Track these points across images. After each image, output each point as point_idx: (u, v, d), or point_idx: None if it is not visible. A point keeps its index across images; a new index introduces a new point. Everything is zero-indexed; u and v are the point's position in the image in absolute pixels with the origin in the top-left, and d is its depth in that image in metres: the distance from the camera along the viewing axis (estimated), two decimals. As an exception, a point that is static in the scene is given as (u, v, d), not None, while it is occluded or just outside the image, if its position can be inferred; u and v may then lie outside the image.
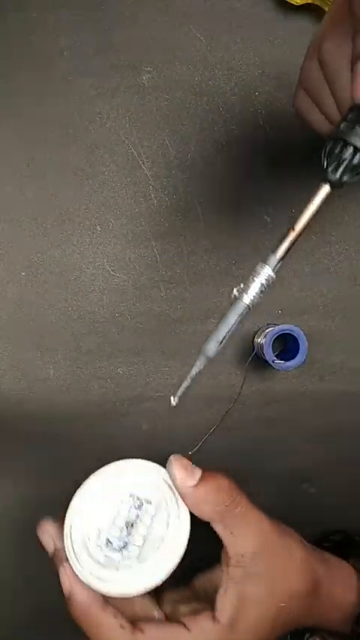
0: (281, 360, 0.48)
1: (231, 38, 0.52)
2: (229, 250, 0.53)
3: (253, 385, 0.54)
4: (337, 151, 0.32)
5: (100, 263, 0.53)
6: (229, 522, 0.37)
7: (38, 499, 0.54)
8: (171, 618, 0.38)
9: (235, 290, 0.34)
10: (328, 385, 0.55)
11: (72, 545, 0.37)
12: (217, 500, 0.36)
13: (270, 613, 0.37)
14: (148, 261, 0.53)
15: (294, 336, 0.49)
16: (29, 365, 0.53)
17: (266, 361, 0.49)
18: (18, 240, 0.52)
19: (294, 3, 0.50)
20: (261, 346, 0.49)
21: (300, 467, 0.55)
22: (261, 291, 0.34)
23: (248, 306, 0.34)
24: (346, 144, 0.31)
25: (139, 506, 0.38)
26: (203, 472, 0.37)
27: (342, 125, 0.32)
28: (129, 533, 0.37)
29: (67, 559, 0.38)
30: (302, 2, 0.50)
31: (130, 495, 0.38)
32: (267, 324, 0.53)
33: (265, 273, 0.34)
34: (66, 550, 0.37)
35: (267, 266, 0.34)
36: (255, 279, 0.34)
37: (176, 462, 0.37)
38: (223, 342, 0.34)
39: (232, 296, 0.34)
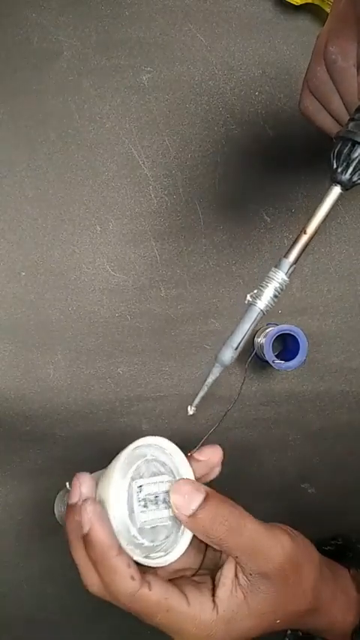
0: (281, 360, 0.48)
1: (231, 38, 0.52)
2: (229, 250, 0.53)
3: (253, 385, 0.54)
4: (346, 151, 0.31)
5: (100, 263, 0.53)
6: (231, 552, 0.36)
7: (38, 499, 0.54)
8: (175, 582, 0.38)
9: (248, 296, 0.33)
10: (328, 385, 0.55)
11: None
12: (212, 531, 0.36)
13: (264, 626, 0.37)
14: (148, 261, 0.53)
15: (294, 336, 0.49)
16: (29, 365, 0.53)
17: (266, 361, 0.49)
18: (18, 240, 0.52)
19: (294, 3, 0.50)
20: (261, 346, 0.50)
21: (300, 467, 0.55)
22: (275, 296, 0.33)
23: (262, 311, 0.33)
24: (355, 144, 0.31)
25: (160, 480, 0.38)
26: (207, 496, 0.36)
27: (350, 125, 0.32)
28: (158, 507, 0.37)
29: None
30: (302, 2, 0.50)
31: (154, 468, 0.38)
32: (267, 324, 0.53)
33: (279, 277, 0.33)
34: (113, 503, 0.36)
35: (280, 271, 0.33)
36: (269, 284, 0.33)
37: (176, 489, 0.36)
38: (239, 348, 0.34)
39: (246, 301, 0.33)
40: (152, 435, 0.39)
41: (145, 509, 0.37)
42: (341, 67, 0.33)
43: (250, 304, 0.33)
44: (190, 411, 0.37)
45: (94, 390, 0.53)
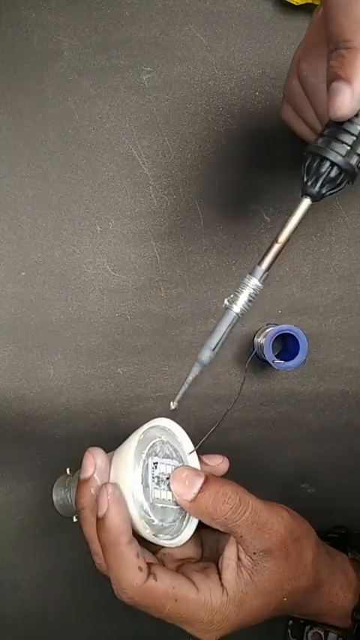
0: (281, 360, 0.48)
1: (231, 38, 0.52)
2: (229, 250, 0.53)
3: (253, 385, 0.54)
4: (315, 165, 0.33)
5: (100, 263, 0.53)
6: (236, 530, 0.37)
7: (38, 499, 0.54)
8: (180, 570, 0.38)
9: (225, 300, 0.36)
10: (328, 385, 0.55)
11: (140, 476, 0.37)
12: (215, 512, 0.36)
13: (272, 605, 0.38)
14: (148, 261, 0.53)
15: (294, 336, 0.49)
16: (29, 365, 0.53)
17: (266, 361, 0.49)
18: (18, 240, 0.52)
19: (294, 3, 0.50)
20: (261, 346, 0.50)
21: (300, 467, 0.55)
22: (249, 300, 0.36)
23: (238, 314, 0.36)
24: (323, 159, 0.33)
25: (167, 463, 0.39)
26: (206, 479, 0.37)
27: (319, 141, 0.34)
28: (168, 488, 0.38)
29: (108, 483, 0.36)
30: (302, 2, 0.50)
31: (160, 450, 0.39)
32: (267, 324, 0.53)
33: (252, 284, 0.36)
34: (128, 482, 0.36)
35: (254, 278, 0.36)
36: (243, 290, 0.36)
37: (176, 476, 0.38)
38: (216, 349, 0.37)
39: (223, 306, 0.36)
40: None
41: (157, 486, 0.37)
42: (312, 82, 0.35)
43: (227, 308, 0.36)
44: (172, 406, 0.39)
45: (94, 390, 0.53)
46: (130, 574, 0.35)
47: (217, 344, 0.37)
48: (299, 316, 0.54)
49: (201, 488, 0.37)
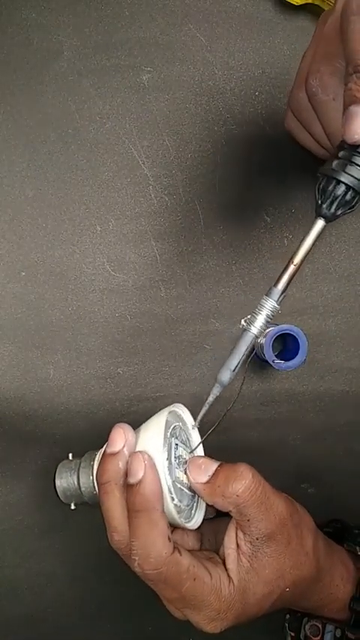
0: (281, 360, 0.48)
1: (231, 38, 0.52)
2: (229, 250, 0.53)
3: (253, 385, 0.54)
4: (330, 188, 0.34)
5: (100, 263, 0.53)
6: (244, 511, 0.37)
7: (38, 499, 0.54)
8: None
9: (243, 321, 0.36)
10: (328, 385, 0.55)
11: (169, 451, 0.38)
12: (228, 490, 0.37)
13: (274, 595, 0.38)
14: (148, 261, 0.53)
15: (294, 336, 0.49)
16: (29, 365, 0.53)
17: (266, 361, 0.49)
18: (18, 240, 0.52)
19: (294, 3, 0.50)
20: (261, 346, 0.50)
21: (299, 467, 0.55)
22: (266, 322, 0.36)
23: (256, 335, 0.36)
24: (338, 182, 0.34)
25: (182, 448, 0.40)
26: (220, 465, 0.38)
27: (334, 164, 0.34)
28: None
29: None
30: (302, 2, 0.50)
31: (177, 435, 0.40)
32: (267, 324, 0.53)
33: (270, 305, 0.36)
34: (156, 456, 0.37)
35: (270, 299, 0.36)
36: (261, 311, 0.36)
37: (190, 461, 0.39)
38: (236, 370, 0.37)
39: (240, 326, 0.37)
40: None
41: (178, 466, 0.38)
42: (322, 99, 0.35)
43: (245, 329, 0.36)
44: (193, 426, 0.41)
45: (94, 390, 0.53)
46: (160, 543, 0.35)
47: (237, 365, 0.37)
48: (299, 316, 0.54)
49: (215, 470, 0.38)
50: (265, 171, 0.53)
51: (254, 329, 0.36)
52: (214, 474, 0.38)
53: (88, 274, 0.53)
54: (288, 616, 0.47)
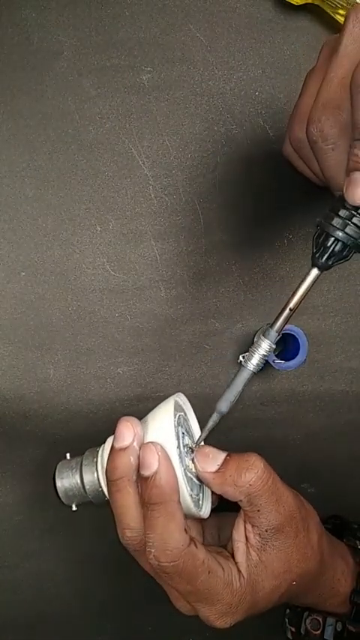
0: (281, 360, 0.48)
1: (231, 38, 0.52)
2: (229, 250, 0.53)
3: (253, 385, 0.54)
4: (321, 240, 0.36)
5: (100, 263, 0.53)
6: (255, 501, 0.37)
7: (38, 499, 0.54)
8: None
9: (241, 357, 0.39)
10: (328, 385, 0.55)
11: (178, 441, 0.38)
12: (240, 479, 0.37)
13: (282, 589, 0.39)
14: (148, 261, 0.53)
15: (294, 336, 0.49)
16: (29, 365, 0.53)
17: (266, 361, 0.49)
18: (18, 240, 0.52)
19: (294, 3, 0.50)
20: (261, 346, 0.50)
21: (300, 467, 0.55)
22: (263, 359, 0.39)
23: (253, 371, 0.39)
24: (328, 235, 0.36)
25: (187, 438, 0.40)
26: (229, 455, 0.38)
27: (333, 220, 0.36)
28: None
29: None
30: (302, 2, 0.50)
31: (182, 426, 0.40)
32: (267, 324, 0.53)
33: (266, 344, 0.39)
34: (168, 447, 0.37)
35: (267, 340, 0.39)
36: (257, 349, 0.39)
37: (198, 451, 0.39)
38: (234, 400, 0.39)
39: (239, 362, 0.39)
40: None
41: (187, 455, 0.38)
42: (321, 147, 0.35)
43: (242, 365, 0.39)
44: (194, 447, 0.41)
45: (94, 390, 0.53)
46: (177, 534, 0.35)
47: (235, 397, 0.39)
48: (299, 316, 0.54)
49: (225, 459, 0.38)
50: (265, 171, 0.53)
51: (251, 365, 0.39)
52: (223, 463, 0.38)
53: (88, 274, 0.53)
54: (288, 611, 0.47)
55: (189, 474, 0.38)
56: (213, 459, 0.38)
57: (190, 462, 0.39)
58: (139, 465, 0.36)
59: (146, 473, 0.35)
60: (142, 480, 0.36)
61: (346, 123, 0.34)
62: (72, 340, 0.53)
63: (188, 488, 0.37)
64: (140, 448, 0.36)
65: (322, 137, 0.35)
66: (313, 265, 0.37)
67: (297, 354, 0.48)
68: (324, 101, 0.34)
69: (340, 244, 0.36)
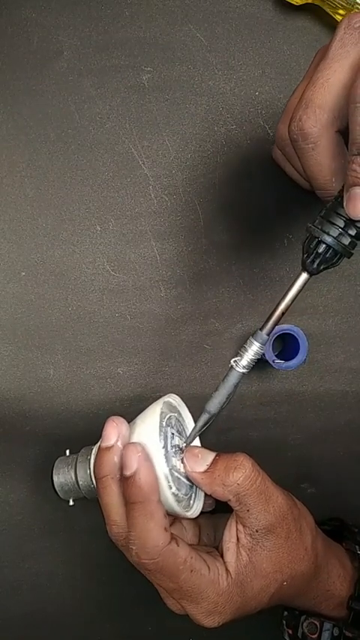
0: (281, 360, 0.48)
1: (231, 38, 0.52)
2: (229, 250, 0.53)
3: (253, 385, 0.54)
4: (312, 246, 0.37)
5: (100, 263, 0.53)
6: (244, 500, 0.38)
7: (38, 499, 0.54)
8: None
9: (232, 361, 0.40)
10: (328, 385, 0.55)
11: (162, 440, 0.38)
12: (228, 479, 0.37)
13: (271, 588, 0.39)
14: (148, 261, 0.53)
15: (294, 336, 0.49)
16: (29, 365, 0.53)
17: (266, 361, 0.49)
18: (18, 240, 0.52)
19: (294, 3, 0.50)
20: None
21: (299, 467, 0.55)
22: (253, 361, 0.40)
23: (242, 373, 0.40)
24: (319, 241, 0.36)
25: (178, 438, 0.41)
26: (218, 455, 0.39)
27: (316, 222, 0.36)
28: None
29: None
30: (302, 2, 0.50)
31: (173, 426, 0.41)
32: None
33: (255, 347, 0.39)
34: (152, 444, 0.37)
35: (256, 342, 0.39)
36: (246, 354, 0.40)
37: (187, 451, 0.39)
38: (224, 401, 0.40)
39: (230, 365, 0.40)
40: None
41: (174, 455, 0.38)
42: (301, 146, 0.36)
43: (232, 368, 0.40)
44: (184, 446, 0.41)
45: (94, 390, 0.53)
46: (156, 533, 0.35)
47: (224, 399, 0.40)
48: (299, 316, 0.54)
49: (213, 460, 0.38)
50: (265, 171, 0.53)
51: (241, 367, 0.40)
52: (212, 463, 0.38)
53: (88, 274, 0.53)
54: (286, 613, 0.47)
55: (177, 474, 0.38)
56: (202, 459, 0.38)
57: (180, 462, 0.39)
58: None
59: (127, 473, 0.36)
60: (124, 479, 0.36)
61: (327, 123, 0.34)
62: (72, 340, 0.53)
63: (174, 488, 0.37)
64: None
65: (302, 135, 0.35)
66: (303, 270, 0.38)
67: (297, 354, 0.48)
68: (306, 100, 0.34)
69: (331, 251, 0.36)
